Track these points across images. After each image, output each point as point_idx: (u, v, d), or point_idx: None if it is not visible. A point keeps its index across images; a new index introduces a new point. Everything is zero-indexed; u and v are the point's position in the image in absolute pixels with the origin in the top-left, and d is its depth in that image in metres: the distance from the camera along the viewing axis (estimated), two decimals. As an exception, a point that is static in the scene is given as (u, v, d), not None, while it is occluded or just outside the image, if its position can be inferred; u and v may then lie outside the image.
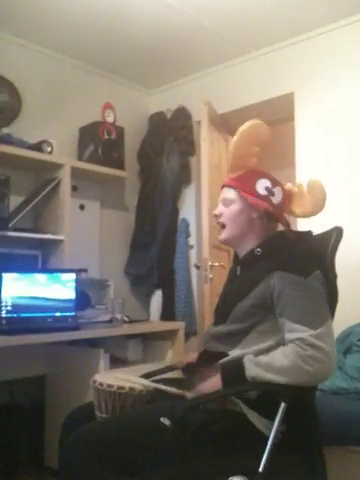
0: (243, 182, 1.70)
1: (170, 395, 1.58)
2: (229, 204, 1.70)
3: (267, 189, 1.67)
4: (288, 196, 1.73)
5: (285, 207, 1.72)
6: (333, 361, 1.44)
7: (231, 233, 1.71)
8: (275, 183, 1.69)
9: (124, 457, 1.36)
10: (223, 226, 1.72)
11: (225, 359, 1.56)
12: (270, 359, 1.46)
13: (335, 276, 1.66)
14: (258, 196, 1.66)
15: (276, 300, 1.51)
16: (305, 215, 1.74)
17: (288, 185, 1.75)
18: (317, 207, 1.71)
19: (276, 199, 1.68)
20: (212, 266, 3.10)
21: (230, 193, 1.71)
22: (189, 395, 1.53)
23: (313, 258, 1.60)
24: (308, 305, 1.48)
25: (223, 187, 1.76)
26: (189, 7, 2.81)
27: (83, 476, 1.35)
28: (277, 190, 1.68)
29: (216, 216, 1.74)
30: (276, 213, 1.68)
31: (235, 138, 1.74)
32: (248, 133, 1.73)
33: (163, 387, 1.59)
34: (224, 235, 1.72)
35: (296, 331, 1.44)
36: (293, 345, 1.43)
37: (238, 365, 1.49)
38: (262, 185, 1.67)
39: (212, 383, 1.52)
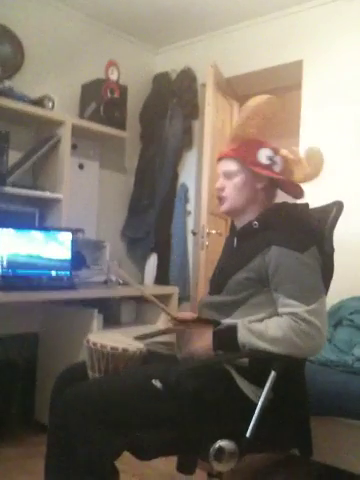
0: (245, 152, 1.65)
1: (163, 357, 1.59)
2: (232, 176, 1.66)
3: (269, 158, 1.64)
4: (286, 162, 1.70)
5: (286, 174, 1.69)
6: (324, 337, 1.46)
7: (235, 204, 1.67)
8: (275, 151, 1.66)
9: (115, 417, 1.38)
10: (224, 199, 1.68)
11: (219, 326, 1.57)
12: (263, 327, 1.47)
13: (332, 251, 1.66)
14: (261, 166, 1.63)
15: (271, 275, 1.51)
16: (303, 180, 1.70)
17: (283, 151, 1.71)
18: (312, 173, 1.68)
19: (278, 167, 1.65)
20: (209, 233, 3.09)
21: (232, 165, 1.66)
22: (180, 355, 1.54)
23: (310, 233, 1.59)
24: (303, 281, 1.48)
25: (220, 159, 1.71)
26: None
27: (73, 435, 1.37)
28: (278, 158, 1.66)
29: (218, 190, 1.69)
30: (280, 182, 1.67)
31: (243, 108, 1.68)
32: (257, 104, 1.65)
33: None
34: (226, 206, 1.68)
35: (290, 306, 1.45)
36: (287, 318, 1.44)
37: (231, 329, 1.50)
38: (264, 154, 1.64)
39: (203, 344, 1.53)
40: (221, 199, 1.69)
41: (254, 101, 1.65)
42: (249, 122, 1.66)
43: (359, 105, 2.84)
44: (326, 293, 1.59)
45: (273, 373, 1.45)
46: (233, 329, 1.50)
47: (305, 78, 3.08)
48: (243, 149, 1.66)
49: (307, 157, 1.68)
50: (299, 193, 1.71)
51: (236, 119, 1.73)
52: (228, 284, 1.61)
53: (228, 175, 1.67)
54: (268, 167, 1.64)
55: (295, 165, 1.69)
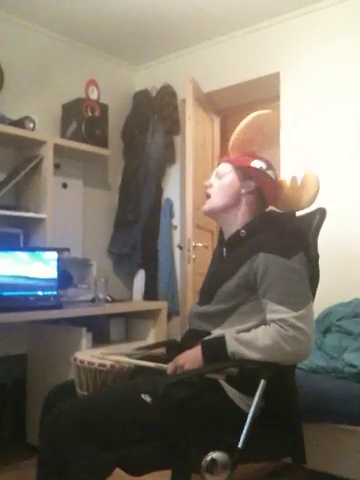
0: (239, 158, 1.72)
1: (151, 371, 1.59)
2: (221, 176, 1.72)
3: (261, 168, 1.68)
4: (279, 185, 1.74)
5: (274, 192, 1.72)
6: (312, 342, 1.47)
7: (215, 204, 1.71)
8: (269, 166, 1.71)
9: (105, 433, 1.37)
10: (209, 197, 1.73)
11: (207, 337, 1.57)
12: (251, 337, 1.47)
13: (317, 257, 1.67)
14: (251, 169, 1.68)
15: (259, 281, 1.52)
16: (294, 208, 1.75)
17: (282, 178, 1.77)
18: (307, 201, 1.71)
19: (267, 180, 1.69)
20: (195, 246, 3.10)
21: (225, 167, 1.72)
22: (167, 366, 1.54)
23: (297, 239, 1.61)
24: (290, 287, 1.50)
25: (219, 163, 1.78)
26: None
27: (64, 452, 1.35)
28: (270, 173, 1.70)
29: (206, 186, 1.75)
30: (265, 191, 1.69)
31: (246, 120, 1.73)
32: (261, 120, 1.72)
33: (143, 363, 1.59)
34: (208, 205, 1.73)
35: (278, 312, 1.46)
36: (275, 325, 1.45)
37: (219, 340, 1.51)
38: (257, 164, 1.69)
39: (191, 354, 1.53)
40: (206, 197, 1.74)
41: (254, 114, 1.72)
42: (251, 138, 1.72)
43: (337, 113, 2.88)
44: (313, 299, 1.60)
45: (263, 382, 1.46)
46: (221, 341, 1.50)
47: (283, 90, 3.13)
48: (239, 156, 1.73)
49: (302, 184, 1.72)
50: (272, 204, 1.74)
51: (236, 130, 1.77)
52: (218, 293, 1.62)
53: (218, 175, 1.73)
54: (259, 172, 1.67)
55: (291, 192, 1.73)
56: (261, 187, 1.69)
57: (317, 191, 1.70)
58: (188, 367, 1.51)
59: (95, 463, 1.33)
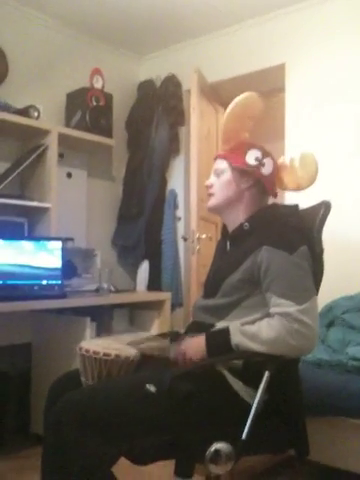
0: (233, 153, 1.70)
1: (156, 362, 1.59)
2: (220, 174, 1.71)
3: (257, 159, 1.67)
4: (279, 169, 1.73)
5: (275, 179, 1.72)
6: (316, 335, 1.48)
7: (218, 201, 1.71)
8: (265, 154, 1.69)
9: (110, 424, 1.37)
10: (211, 196, 1.73)
11: (212, 329, 1.58)
12: (256, 329, 1.48)
13: (321, 250, 1.67)
14: (248, 166, 1.66)
15: (263, 275, 1.52)
16: (297, 189, 1.74)
17: (280, 159, 1.75)
18: (309, 181, 1.71)
19: (266, 170, 1.67)
20: (199, 238, 3.09)
21: (221, 164, 1.72)
22: (172, 355, 1.54)
23: (300, 233, 1.61)
24: (294, 281, 1.49)
25: (216, 159, 1.77)
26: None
27: (68, 443, 1.35)
28: (267, 161, 1.68)
29: (207, 187, 1.75)
30: (265, 184, 1.68)
31: (228, 110, 1.73)
32: (242, 105, 1.72)
33: (148, 351, 1.60)
34: (211, 202, 1.73)
35: (282, 306, 1.46)
36: (279, 318, 1.45)
37: (224, 332, 1.51)
38: (252, 155, 1.67)
39: (195, 343, 1.54)
40: (209, 196, 1.74)
41: (238, 98, 1.71)
42: (241, 125, 1.72)
43: (342, 106, 2.87)
44: (317, 293, 1.60)
45: (267, 374, 1.46)
46: (225, 332, 1.51)
47: (288, 81, 3.11)
48: (233, 150, 1.71)
49: (300, 165, 1.71)
50: (273, 195, 1.74)
51: (223, 118, 1.77)
52: (222, 287, 1.62)
53: (217, 173, 1.72)
54: (255, 168, 1.66)
55: (290, 174, 1.72)
56: (260, 179, 1.68)
57: (317, 169, 1.69)
58: (190, 355, 1.53)
59: (99, 454, 1.34)
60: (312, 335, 1.45)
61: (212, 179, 1.74)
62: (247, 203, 1.68)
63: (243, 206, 1.68)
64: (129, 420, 1.39)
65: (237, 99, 1.73)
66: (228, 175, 1.69)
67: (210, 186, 1.73)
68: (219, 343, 1.51)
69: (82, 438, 1.34)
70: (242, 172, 1.67)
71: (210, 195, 1.74)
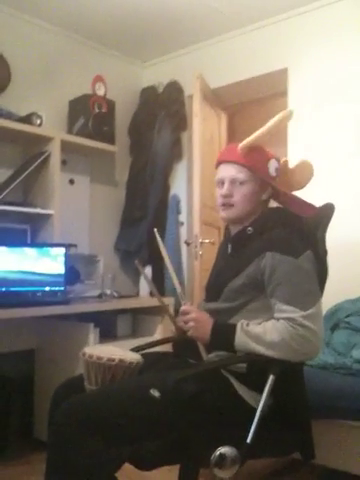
0: (257, 162, 1.62)
1: (160, 367, 1.59)
2: (241, 184, 1.62)
3: (276, 170, 1.65)
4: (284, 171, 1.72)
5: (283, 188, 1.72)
6: (321, 341, 1.48)
7: (241, 212, 1.64)
8: (278, 161, 1.68)
9: (114, 428, 1.36)
10: (231, 206, 1.64)
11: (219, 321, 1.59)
12: (261, 331, 1.48)
13: (325, 253, 1.66)
14: (271, 177, 1.64)
15: (267, 281, 1.52)
16: (289, 190, 1.73)
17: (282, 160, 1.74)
18: (300, 186, 1.73)
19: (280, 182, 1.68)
20: (202, 243, 3.09)
21: (241, 172, 1.62)
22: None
23: (304, 237, 1.60)
24: (299, 286, 1.49)
25: (222, 163, 1.68)
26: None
27: (73, 448, 1.35)
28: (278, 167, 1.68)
29: (225, 196, 1.63)
30: (279, 194, 1.69)
31: (270, 124, 1.61)
32: (280, 121, 1.63)
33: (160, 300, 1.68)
34: (235, 213, 1.64)
35: (287, 312, 1.46)
36: (284, 322, 1.45)
37: (230, 327, 1.52)
38: (273, 166, 1.64)
39: (204, 322, 1.56)
40: (226, 205, 1.65)
41: (282, 118, 1.62)
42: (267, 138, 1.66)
43: (344, 110, 2.87)
44: (321, 296, 1.59)
45: (271, 377, 1.46)
46: (232, 328, 1.51)
47: (290, 86, 3.11)
48: (255, 159, 1.62)
49: (299, 168, 1.71)
50: (304, 211, 1.68)
51: (261, 130, 1.64)
52: (225, 291, 1.62)
53: (235, 181, 1.62)
54: (274, 179, 1.65)
55: (284, 175, 1.71)
56: (275, 189, 1.68)
57: (312, 177, 1.71)
58: (192, 333, 1.56)
59: (104, 459, 1.33)
60: (316, 340, 1.45)
61: (229, 188, 1.63)
62: (257, 210, 1.67)
63: (256, 214, 1.67)
64: (133, 424, 1.38)
65: (282, 114, 1.63)
66: (251, 186, 1.62)
67: (229, 195, 1.63)
68: (223, 337, 1.52)
69: (86, 442, 1.34)
70: (263, 183, 1.64)
71: (229, 205, 1.64)
